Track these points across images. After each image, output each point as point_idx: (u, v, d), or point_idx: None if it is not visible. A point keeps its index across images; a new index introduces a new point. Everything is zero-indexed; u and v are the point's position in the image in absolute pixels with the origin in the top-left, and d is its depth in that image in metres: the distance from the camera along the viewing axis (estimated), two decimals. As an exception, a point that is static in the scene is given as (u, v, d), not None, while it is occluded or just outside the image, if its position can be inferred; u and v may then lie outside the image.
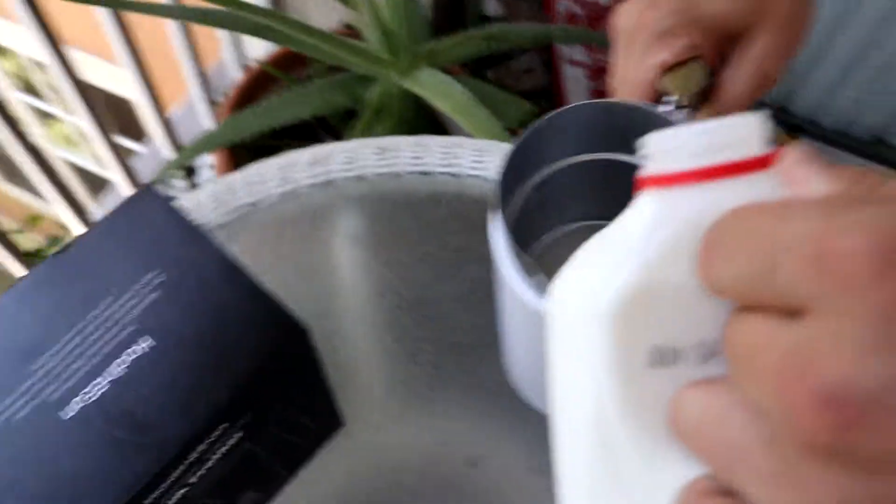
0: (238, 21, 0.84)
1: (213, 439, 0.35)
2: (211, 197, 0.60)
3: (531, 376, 0.36)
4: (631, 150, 0.35)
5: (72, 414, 0.33)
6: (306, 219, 0.60)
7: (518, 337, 0.35)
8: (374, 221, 0.60)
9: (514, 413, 0.44)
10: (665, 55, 0.33)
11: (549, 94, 1.29)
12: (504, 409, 0.50)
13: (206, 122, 1.34)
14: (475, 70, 1.06)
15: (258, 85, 1.10)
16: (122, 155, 1.22)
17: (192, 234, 0.38)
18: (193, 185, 1.22)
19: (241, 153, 1.04)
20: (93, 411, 0.33)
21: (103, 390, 0.34)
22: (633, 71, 0.34)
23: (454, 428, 0.51)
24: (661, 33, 0.33)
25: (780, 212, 0.16)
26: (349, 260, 0.59)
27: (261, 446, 0.41)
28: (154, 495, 0.33)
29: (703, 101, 0.33)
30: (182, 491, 0.35)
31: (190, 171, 1.23)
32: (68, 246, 0.38)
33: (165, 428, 0.33)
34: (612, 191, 0.33)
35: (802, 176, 0.18)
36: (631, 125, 0.32)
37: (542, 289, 0.30)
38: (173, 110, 1.44)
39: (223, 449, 0.37)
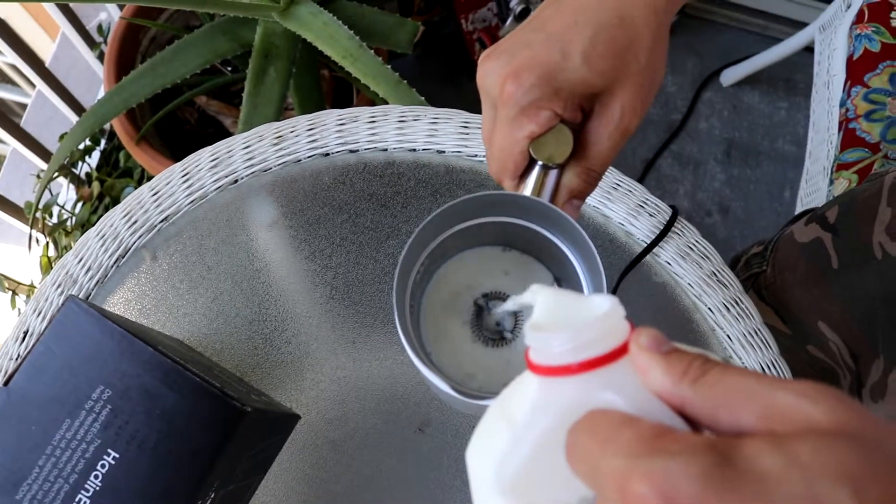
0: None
1: (192, 518, 0.40)
2: (124, 218, 0.62)
3: (446, 399, 0.43)
4: (498, 214, 0.39)
5: (66, 530, 0.38)
6: (221, 224, 0.62)
7: (430, 384, 0.40)
8: (287, 215, 0.63)
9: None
10: (532, 128, 0.35)
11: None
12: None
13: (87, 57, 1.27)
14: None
15: (136, 26, 1.04)
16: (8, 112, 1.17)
17: (125, 344, 0.41)
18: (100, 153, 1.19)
19: (141, 105, 1.02)
20: (84, 524, 0.39)
21: (88, 503, 0.39)
22: (504, 142, 0.36)
23: (401, 401, 0.58)
24: (525, 107, 0.35)
25: (604, 443, 0.21)
26: (275, 260, 0.62)
27: (234, 484, 0.47)
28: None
29: (570, 158, 0.37)
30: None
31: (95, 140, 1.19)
32: (11, 375, 0.41)
33: (150, 526, 0.39)
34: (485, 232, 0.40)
35: (645, 365, 0.23)
36: (502, 201, 0.37)
37: (436, 370, 0.35)
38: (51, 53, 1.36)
39: (203, 511, 0.43)
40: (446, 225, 0.40)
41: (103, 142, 1.28)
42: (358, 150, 0.64)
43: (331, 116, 0.65)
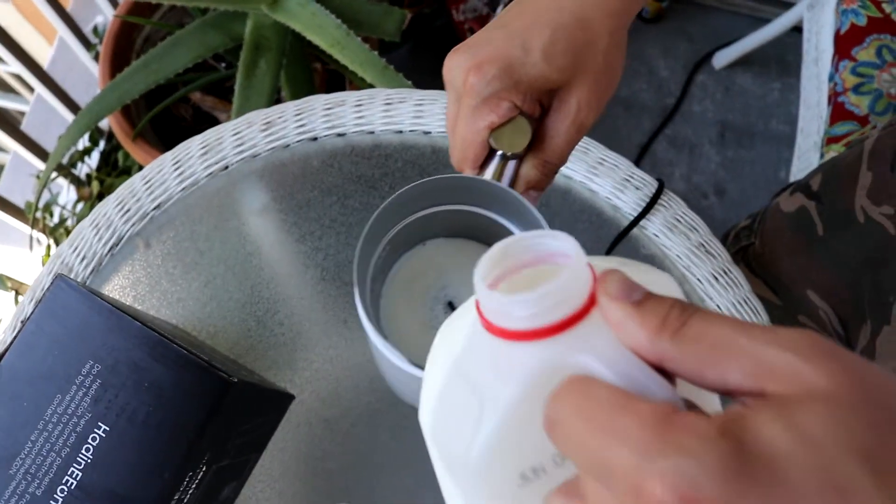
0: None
1: (182, 487, 0.41)
2: (117, 207, 0.63)
3: (398, 388, 0.43)
4: (458, 201, 0.40)
5: (60, 502, 0.39)
6: (213, 210, 0.63)
7: (383, 365, 0.41)
8: (277, 199, 0.63)
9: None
10: (492, 118, 0.37)
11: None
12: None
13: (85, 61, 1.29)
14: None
15: (130, 25, 1.06)
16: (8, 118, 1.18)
17: (114, 319, 0.42)
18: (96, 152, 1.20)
19: (137, 103, 1.03)
20: (78, 496, 0.40)
21: (80, 476, 0.40)
22: (466, 131, 0.38)
23: (391, 377, 0.58)
24: (486, 98, 0.37)
25: (603, 432, 0.19)
26: (266, 243, 0.62)
27: (226, 459, 0.48)
28: (149, 546, 0.40)
29: (529, 149, 0.38)
30: (171, 526, 0.43)
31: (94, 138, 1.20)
32: (2, 354, 0.42)
33: (143, 496, 0.40)
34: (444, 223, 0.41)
35: (618, 319, 0.21)
36: (461, 185, 0.38)
37: (391, 345, 0.37)
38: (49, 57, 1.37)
39: (195, 483, 0.43)
40: (406, 211, 0.40)
41: (102, 143, 1.29)
42: (345, 134, 0.65)
43: (318, 101, 0.66)
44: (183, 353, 0.42)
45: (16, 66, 1.13)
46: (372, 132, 0.65)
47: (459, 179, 0.38)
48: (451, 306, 0.43)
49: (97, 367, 0.41)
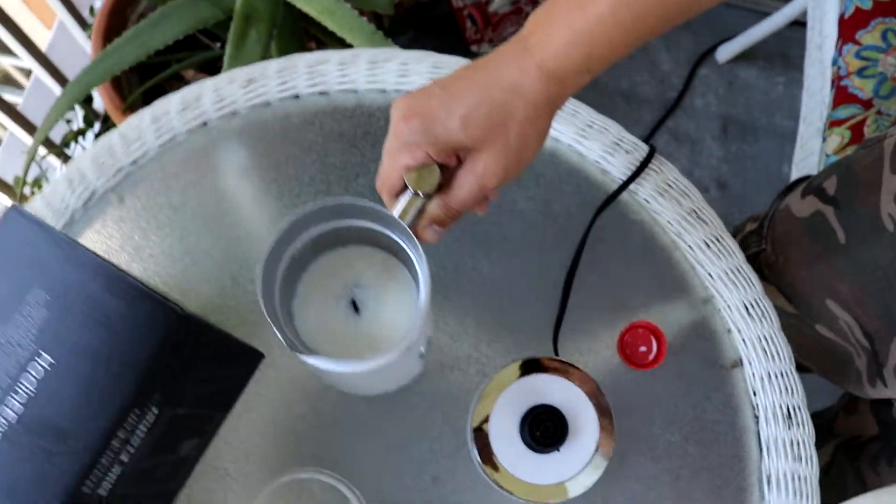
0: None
1: (128, 426, 0.39)
2: (92, 163, 0.61)
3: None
4: (372, 220, 0.47)
5: (-1, 435, 0.37)
6: (189, 166, 0.61)
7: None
8: (256, 155, 0.62)
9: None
10: (407, 161, 0.43)
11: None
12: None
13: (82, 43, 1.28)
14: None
15: (124, 1, 1.05)
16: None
17: (69, 250, 0.40)
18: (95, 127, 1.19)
19: (128, 76, 1.02)
20: (17, 429, 0.38)
21: (21, 408, 0.38)
22: (387, 165, 0.44)
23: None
24: (407, 144, 0.43)
25: None
26: (243, 200, 0.61)
27: (182, 408, 0.46)
28: (89, 484, 0.38)
29: (437, 191, 0.44)
30: (118, 468, 0.40)
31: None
32: (-52, 280, 0.40)
33: (85, 431, 0.38)
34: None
35: None
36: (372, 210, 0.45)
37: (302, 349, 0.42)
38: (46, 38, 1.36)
39: (143, 426, 0.41)
40: (326, 218, 0.46)
41: (98, 125, 1.28)
42: (328, 93, 0.63)
43: (301, 59, 0.64)
44: (138, 285, 0.40)
45: (14, 47, 1.12)
46: (355, 91, 0.63)
47: (369, 207, 0.44)
48: (354, 305, 0.49)
49: (45, 296, 0.39)
